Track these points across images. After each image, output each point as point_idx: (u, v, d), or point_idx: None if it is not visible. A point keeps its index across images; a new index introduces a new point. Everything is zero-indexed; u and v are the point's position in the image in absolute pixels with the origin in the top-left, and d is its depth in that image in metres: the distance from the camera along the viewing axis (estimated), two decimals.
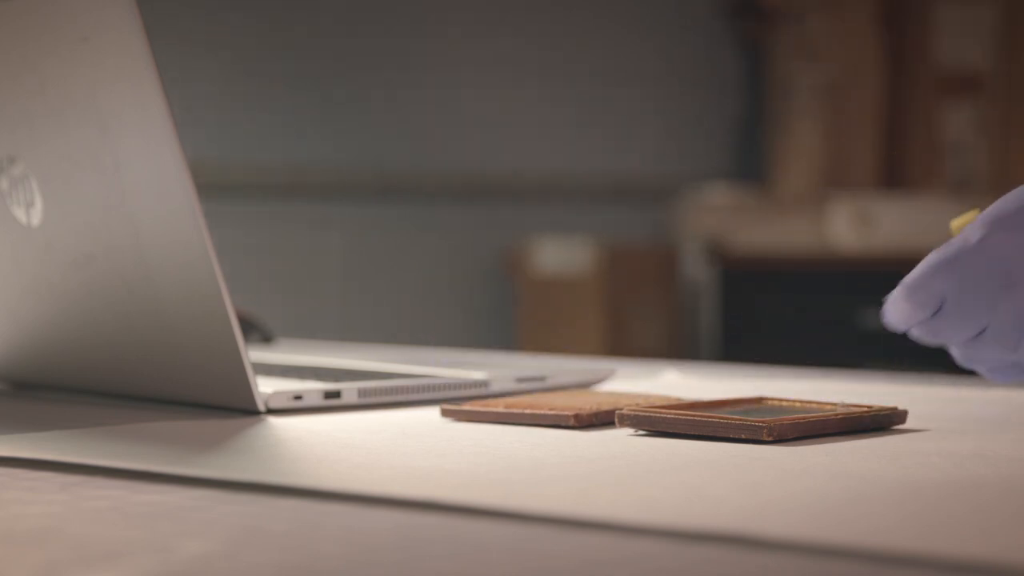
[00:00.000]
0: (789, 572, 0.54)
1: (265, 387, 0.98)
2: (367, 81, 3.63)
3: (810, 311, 3.65)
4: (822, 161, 4.04)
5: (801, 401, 0.92)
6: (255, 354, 1.14)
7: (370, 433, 0.89)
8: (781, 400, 0.93)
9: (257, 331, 1.47)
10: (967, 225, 0.84)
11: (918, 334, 0.88)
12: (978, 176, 4.04)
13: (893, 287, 0.90)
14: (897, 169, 4.12)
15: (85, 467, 0.77)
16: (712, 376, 1.22)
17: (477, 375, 1.07)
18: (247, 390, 0.96)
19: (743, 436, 0.83)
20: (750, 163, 4.27)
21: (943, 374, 1.21)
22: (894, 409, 0.90)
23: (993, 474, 0.74)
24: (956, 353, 0.89)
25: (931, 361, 1.24)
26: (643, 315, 3.80)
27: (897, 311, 0.87)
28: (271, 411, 0.98)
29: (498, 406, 0.93)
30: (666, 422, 0.86)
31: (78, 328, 1.05)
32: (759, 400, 0.93)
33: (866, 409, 0.89)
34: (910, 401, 0.94)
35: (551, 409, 0.91)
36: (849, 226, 3.71)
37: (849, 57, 4.05)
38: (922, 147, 4.09)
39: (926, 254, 0.89)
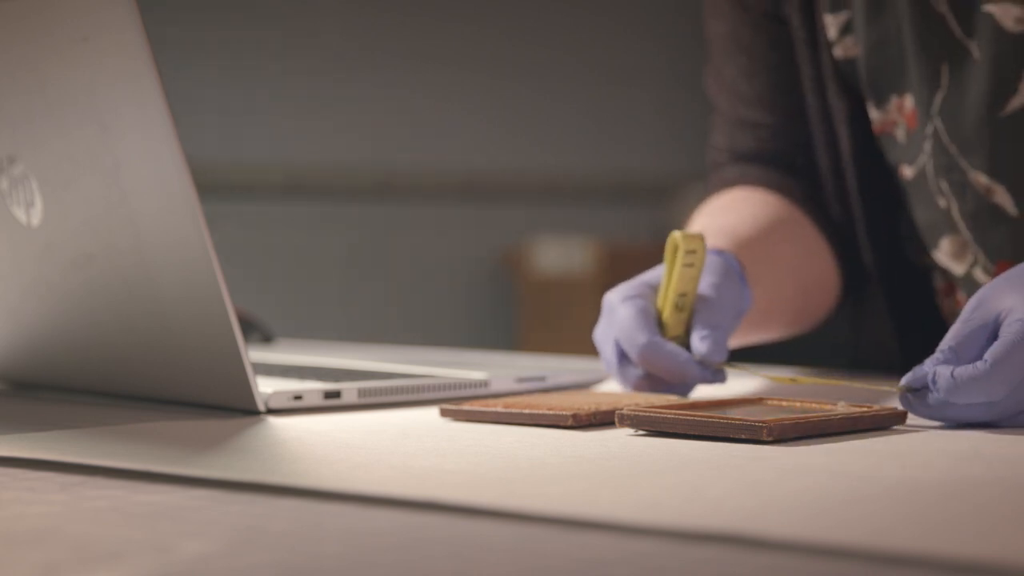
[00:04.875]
0: (789, 572, 0.54)
1: (265, 387, 0.98)
2: (367, 81, 3.63)
3: None
4: None
5: (801, 401, 0.92)
6: (255, 354, 1.13)
7: (370, 433, 0.89)
8: (781, 400, 0.93)
9: (257, 331, 1.47)
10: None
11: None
12: None
13: None
14: None
15: (85, 467, 0.77)
16: None
17: (477, 375, 1.07)
18: (247, 390, 0.96)
19: (743, 436, 0.83)
20: None
21: None
22: (894, 410, 0.90)
23: (993, 474, 0.74)
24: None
25: None
26: None
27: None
28: (271, 411, 0.98)
29: (497, 406, 0.93)
30: (666, 422, 0.86)
31: (78, 328, 1.05)
32: (759, 400, 0.93)
33: (866, 409, 0.89)
34: None
35: (550, 409, 0.91)
36: None
37: None
38: None
39: None
